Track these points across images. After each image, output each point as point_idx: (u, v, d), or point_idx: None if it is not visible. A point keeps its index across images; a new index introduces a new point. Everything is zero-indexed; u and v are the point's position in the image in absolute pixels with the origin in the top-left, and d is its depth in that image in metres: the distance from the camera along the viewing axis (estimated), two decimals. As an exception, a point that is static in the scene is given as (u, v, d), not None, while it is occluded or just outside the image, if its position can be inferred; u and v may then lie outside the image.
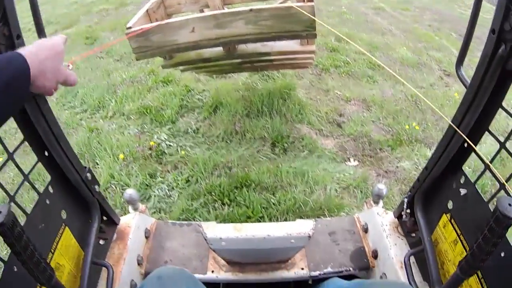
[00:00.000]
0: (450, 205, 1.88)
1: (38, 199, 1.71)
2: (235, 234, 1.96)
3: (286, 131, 5.12)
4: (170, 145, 5.03)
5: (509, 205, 1.13)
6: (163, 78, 6.67)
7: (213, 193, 4.17)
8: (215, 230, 1.99)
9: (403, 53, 8.04)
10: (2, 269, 1.45)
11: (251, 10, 3.43)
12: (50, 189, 1.80)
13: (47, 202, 1.75)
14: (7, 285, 1.43)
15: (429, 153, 4.96)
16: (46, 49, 1.20)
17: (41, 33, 1.71)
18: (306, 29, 3.45)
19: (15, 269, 1.46)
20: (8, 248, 1.22)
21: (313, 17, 3.26)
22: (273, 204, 4.03)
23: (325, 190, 4.22)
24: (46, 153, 1.77)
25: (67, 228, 1.86)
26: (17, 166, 1.60)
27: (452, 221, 1.83)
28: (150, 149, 4.93)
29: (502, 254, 1.44)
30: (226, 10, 3.86)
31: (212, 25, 3.53)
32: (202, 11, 4.85)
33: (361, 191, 4.27)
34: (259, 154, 4.80)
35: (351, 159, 4.85)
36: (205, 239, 1.98)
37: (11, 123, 1.49)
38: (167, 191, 4.35)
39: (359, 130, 5.31)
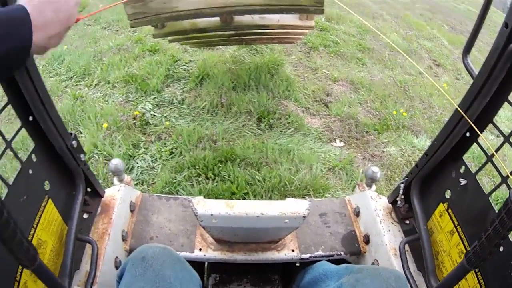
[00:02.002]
0: (448, 194, 1.85)
1: (20, 168, 1.60)
2: (227, 211, 1.86)
3: (273, 107, 5.09)
4: (154, 115, 4.97)
5: None
6: (150, 46, 6.60)
7: (197, 166, 4.13)
8: (205, 206, 1.88)
9: (393, 39, 8.02)
10: None
11: None
12: (33, 158, 1.69)
13: (30, 172, 1.64)
14: None
15: (416, 141, 4.99)
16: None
17: None
18: (315, 5, 3.43)
19: None
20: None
21: None
22: (258, 180, 4.01)
23: (310, 170, 4.19)
24: (31, 118, 1.65)
25: (50, 200, 1.76)
26: (0, 132, 1.46)
27: (450, 211, 1.81)
28: (134, 118, 4.86)
29: (501, 249, 1.43)
30: None
31: None
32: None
33: (346, 174, 4.26)
34: (245, 129, 4.76)
35: (337, 140, 4.84)
36: (195, 215, 1.88)
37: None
38: (150, 162, 4.30)
39: (346, 111, 5.30)
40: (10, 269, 1.45)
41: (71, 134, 1.89)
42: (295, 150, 4.42)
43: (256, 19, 4.42)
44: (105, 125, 4.70)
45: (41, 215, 1.67)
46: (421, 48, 8.05)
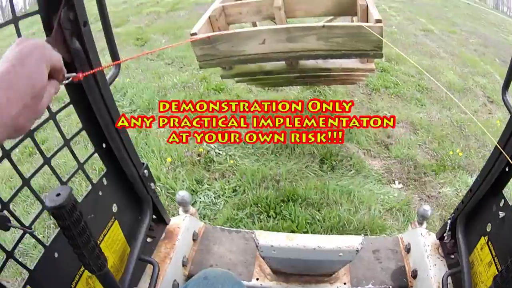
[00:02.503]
0: (489, 227, 1.91)
1: (90, 189, 1.74)
2: (287, 243, 2.00)
3: (335, 149, 5.15)
4: (219, 153, 5.08)
5: None
6: (215, 86, 6.75)
7: (259, 205, 4.23)
8: (267, 237, 2.03)
9: (450, 77, 8.03)
10: (41, 254, 1.46)
11: (323, 26, 3.49)
12: (104, 181, 1.84)
13: (100, 193, 1.79)
14: (45, 270, 1.45)
15: (470, 180, 4.96)
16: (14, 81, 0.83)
17: (115, 57, 1.73)
18: (374, 49, 3.51)
19: (56, 255, 1.49)
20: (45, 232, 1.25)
21: (381, 38, 3.33)
22: (318, 220, 4.08)
23: (369, 211, 4.25)
24: (104, 145, 1.80)
25: (116, 221, 1.91)
26: (73, 153, 1.63)
27: (489, 243, 1.88)
28: (199, 155, 4.99)
29: None
30: (298, 24, 3.87)
31: (284, 38, 3.58)
32: (254, 24, 4.89)
33: (403, 214, 4.28)
34: (307, 170, 4.83)
35: (396, 182, 4.87)
36: (257, 246, 2.02)
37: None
38: (213, 198, 4.41)
39: (405, 153, 5.33)
40: (67, 277, 1.58)
41: (143, 164, 2.06)
42: (356, 191, 4.47)
43: (320, 62, 4.53)
44: (169, 159, 4.86)
45: (105, 234, 1.80)
46: (476, 86, 8.01)
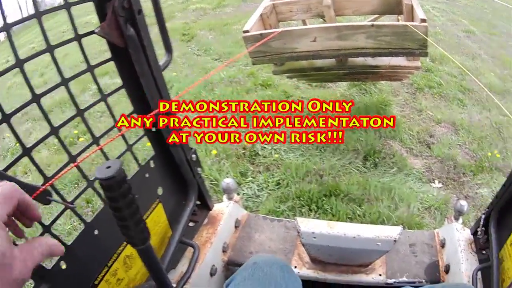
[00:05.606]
0: None
1: (137, 170, 1.79)
2: (328, 230, 2.04)
3: (379, 146, 5.22)
4: (264, 147, 5.19)
5: None
6: (262, 81, 6.84)
7: (301, 198, 4.31)
8: (308, 224, 2.07)
9: (491, 79, 7.97)
10: (81, 230, 1.50)
11: (372, 25, 3.62)
12: (152, 164, 1.88)
13: (146, 175, 1.83)
14: (83, 247, 1.48)
15: (506, 182, 4.98)
16: None
17: (168, 50, 1.81)
18: (420, 48, 3.63)
19: (96, 233, 1.54)
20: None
21: (426, 37, 3.44)
22: (358, 215, 4.15)
23: (408, 208, 4.30)
24: (154, 129, 1.86)
25: (160, 204, 1.94)
26: (123, 136, 1.67)
27: None
28: (244, 148, 5.11)
29: None
30: (347, 23, 4.04)
31: (334, 36, 3.73)
32: (304, 22, 5.02)
33: (441, 213, 4.33)
34: (351, 166, 4.90)
35: (436, 181, 4.92)
36: (298, 232, 2.06)
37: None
38: (256, 190, 4.52)
39: (446, 153, 5.37)
40: (105, 255, 1.62)
41: (191, 148, 2.10)
42: (396, 189, 4.52)
43: (369, 60, 4.66)
44: (214, 151, 4.99)
45: (149, 215, 1.85)
46: (516, 87, 7.98)
